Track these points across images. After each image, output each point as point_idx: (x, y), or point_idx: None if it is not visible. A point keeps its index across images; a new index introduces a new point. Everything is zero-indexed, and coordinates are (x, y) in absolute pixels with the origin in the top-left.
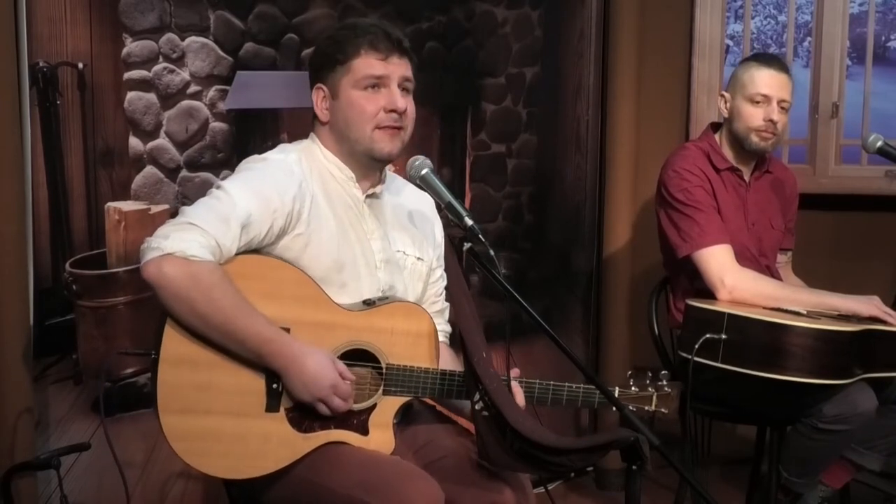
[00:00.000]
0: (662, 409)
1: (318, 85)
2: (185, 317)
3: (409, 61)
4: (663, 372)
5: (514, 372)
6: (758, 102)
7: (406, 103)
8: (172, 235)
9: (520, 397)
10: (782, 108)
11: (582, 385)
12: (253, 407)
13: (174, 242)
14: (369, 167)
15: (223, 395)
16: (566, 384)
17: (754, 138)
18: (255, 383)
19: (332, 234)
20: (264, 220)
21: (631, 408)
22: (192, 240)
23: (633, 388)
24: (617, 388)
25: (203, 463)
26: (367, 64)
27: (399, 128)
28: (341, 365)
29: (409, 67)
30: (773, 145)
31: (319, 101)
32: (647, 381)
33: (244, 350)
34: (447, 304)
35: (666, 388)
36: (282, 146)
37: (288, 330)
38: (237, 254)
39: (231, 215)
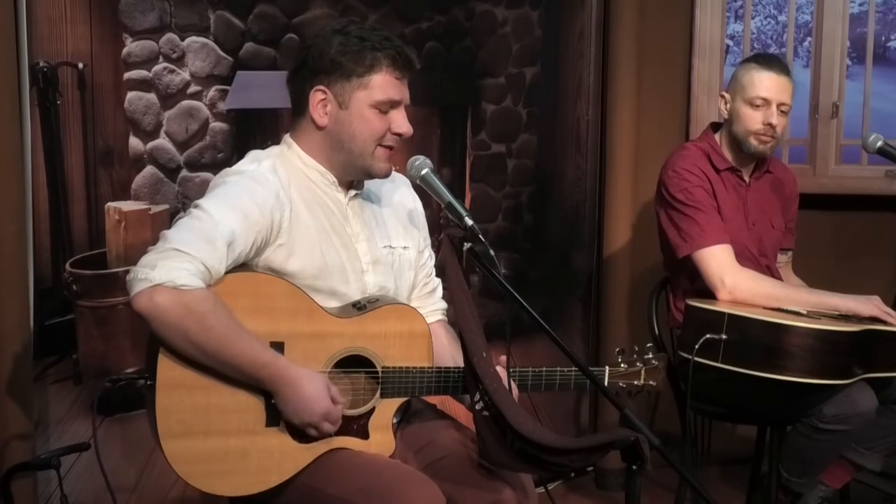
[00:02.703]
0: (651, 382)
1: (320, 87)
2: (179, 345)
3: None
4: (648, 345)
5: (501, 360)
6: (757, 106)
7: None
8: (159, 265)
9: (513, 391)
10: (782, 111)
11: (573, 368)
12: (253, 423)
13: (162, 272)
14: (355, 177)
15: (222, 414)
16: (557, 368)
17: (753, 141)
18: (254, 400)
19: (315, 241)
20: (248, 235)
21: (622, 384)
22: (180, 268)
23: (622, 366)
24: (607, 368)
25: (208, 484)
26: (387, 85)
27: (395, 147)
28: (335, 390)
29: None
30: (772, 148)
31: (317, 103)
32: (634, 356)
33: (240, 375)
34: (439, 281)
35: (653, 361)
36: (254, 154)
37: (282, 344)
38: (226, 273)
39: (215, 235)
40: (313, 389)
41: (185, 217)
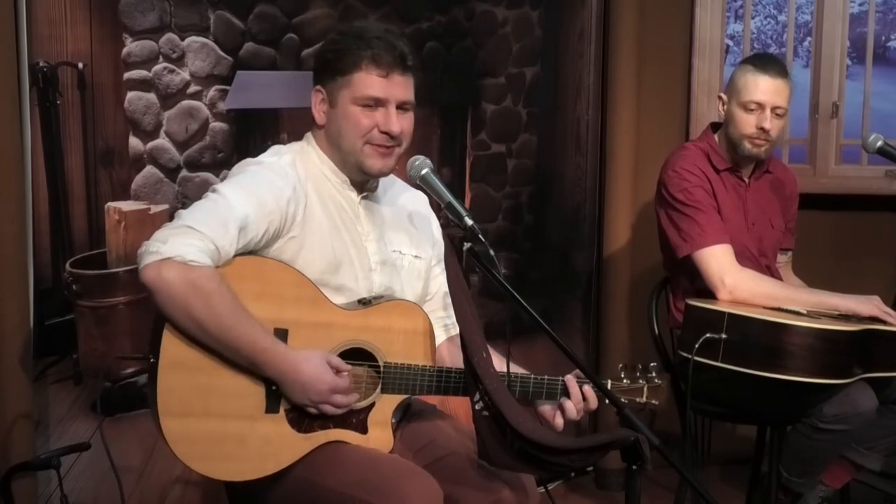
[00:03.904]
0: (653, 401)
1: (318, 87)
2: (181, 321)
3: (413, 76)
4: (653, 364)
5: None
6: (751, 110)
7: (402, 125)
8: (171, 240)
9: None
10: (777, 114)
11: (560, 377)
12: (253, 409)
13: (173, 247)
14: (357, 176)
15: (223, 397)
16: (559, 378)
17: (747, 145)
18: (255, 385)
19: (326, 236)
20: (261, 223)
21: (623, 400)
22: (190, 244)
23: (624, 381)
24: (609, 381)
25: (204, 466)
26: (368, 81)
27: (391, 147)
28: (336, 360)
29: (411, 85)
30: (767, 151)
31: (317, 103)
32: (638, 374)
33: (239, 357)
34: None
35: (656, 381)
36: (276, 148)
37: (286, 331)
38: (235, 256)
39: (228, 218)
40: (313, 369)
41: (201, 199)
